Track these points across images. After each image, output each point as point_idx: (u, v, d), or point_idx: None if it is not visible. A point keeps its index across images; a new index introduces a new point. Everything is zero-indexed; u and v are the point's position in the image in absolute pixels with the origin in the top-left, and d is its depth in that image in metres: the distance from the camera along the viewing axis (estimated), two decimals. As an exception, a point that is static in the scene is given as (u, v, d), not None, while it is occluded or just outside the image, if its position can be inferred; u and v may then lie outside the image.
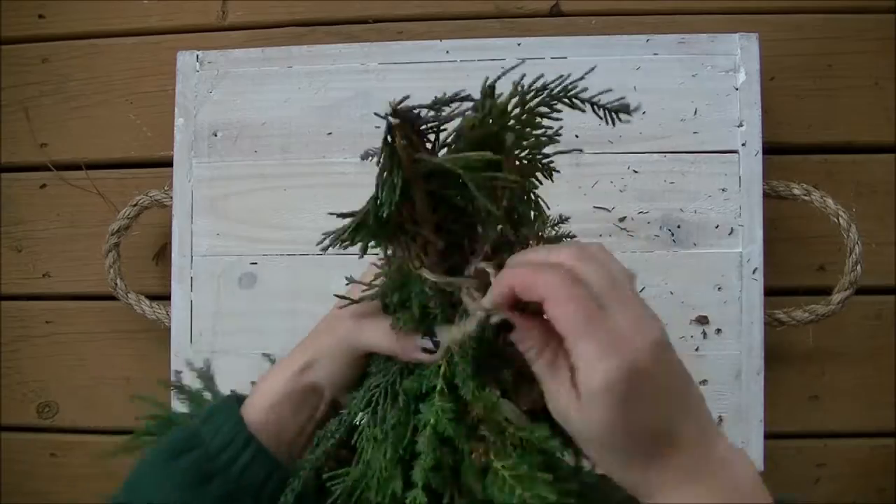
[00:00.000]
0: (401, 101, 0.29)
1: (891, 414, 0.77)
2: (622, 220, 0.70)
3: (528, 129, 0.33)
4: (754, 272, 0.69)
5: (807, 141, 0.79)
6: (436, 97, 0.31)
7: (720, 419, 0.68)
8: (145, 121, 0.83)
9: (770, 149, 0.73)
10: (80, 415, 0.83)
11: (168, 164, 0.75)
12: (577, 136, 0.71)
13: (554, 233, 0.40)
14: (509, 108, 0.32)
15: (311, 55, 0.74)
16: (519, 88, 0.32)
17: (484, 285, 0.34)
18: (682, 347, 0.68)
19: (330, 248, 0.36)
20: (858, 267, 0.69)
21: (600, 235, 0.70)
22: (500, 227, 0.36)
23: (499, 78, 0.31)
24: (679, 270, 0.70)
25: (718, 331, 0.69)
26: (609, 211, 0.70)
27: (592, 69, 0.33)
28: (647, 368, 0.30)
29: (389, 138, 0.30)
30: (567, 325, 0.30)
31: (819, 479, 0.78)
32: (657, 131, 0.71)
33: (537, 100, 0.32)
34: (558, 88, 0.32)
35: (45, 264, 0.84)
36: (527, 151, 0.35)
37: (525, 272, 0.32)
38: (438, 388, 0.36)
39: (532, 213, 0.37)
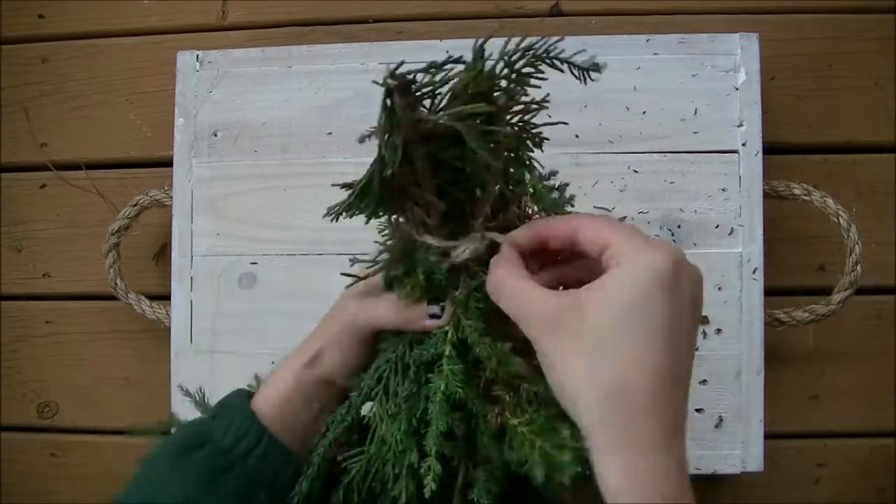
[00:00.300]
0: (397, 67, 0.30)
1: (891, 414, 0.77)
2: (622, 220, 0.70)
3: (517, 90, 0.34)
4: (754, 272, 0.69)
5: (807, 141, 0.79)
6: (431, 62, 0.32)
7: (720, 419, 0.68)
8: (145, 121, 0.83)
9: (770, 149, 0.73)
10: (80, 415, 0.83)
11: (168, 164, 0.75)
12: (577, 137, 0.71)
13: (544, 187, 0.40)
14: (497, 69, 0.33)
15: (311, 55, 0.74)
16: (506, 50, 0.33)
17: (488, 246, 0.35)
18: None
19: (338, 218, 0.36)
20: (858, 267, 0.69)
21: (600, 235, 0.70)
22: (497, 186, 0.36)
23: (486, 40, 0.33)
24: (679, 270, 0.70)
25: (718, 331, 0.69)
26: (609, 211, 0.70)
27: (583, 51, 0.34)
28: (687, 272, 0.30)
29: (388, 101, 0.31)
30: (609, 232, 0.31)
31: (819, 479, 0.78)
32: (657, 131, 0.71)
33: (522, 61, 0.33)
34: (542, 49, 0.34)
35: (45, 264, 0.84)
36: (518, 117, 0.36)
37: (557, 220, 0.33)
38: (447, 352, 0.36)
39: (525, 173, 0.37)
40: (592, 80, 0.34)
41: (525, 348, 0.35)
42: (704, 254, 0.70)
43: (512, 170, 0.37)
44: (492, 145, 0.35)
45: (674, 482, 0.29)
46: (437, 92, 0.33)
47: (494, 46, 0.33)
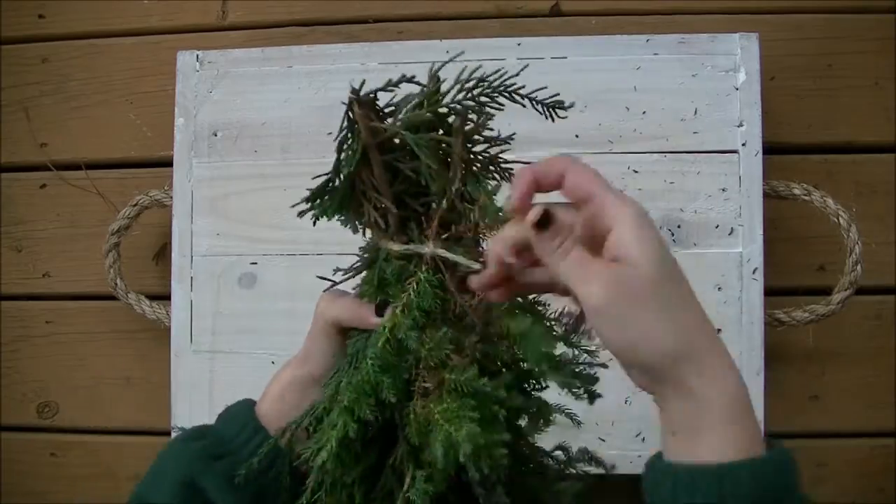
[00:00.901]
0: (361, 86, 0.36)
1: (891, 414, 0.77)
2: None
3: (474, 115, 0.38)
4: (754, 272, 0.69)
5: (807, 141, 0.79)
6: (389, 79, 0.37)
7: (720, 419, 0.68)
8: (145, 121, 0.83)
9: (770, 149, 0.73)
10: (80, 415, 0.83)
11: (168, 164, 0.75)
12: (577, 136, 0.71)
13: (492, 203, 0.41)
14: (451, 91, 0.37)
15: (311, 55, 0.74)
16: (460, 77, 0.37)
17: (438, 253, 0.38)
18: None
19: (315, 219, 0.41)
20: (858, 267, 0.69)
21: (600, 235, 0.70)
22: (450, 200, 0.39)
23: (444, 65, 0.37)
24: (679, 270, 0.70)
25: (718, 331, 0.68)
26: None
27: (525, 66, 0.38)
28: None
29: (350, 112, 0.36)
30: (594, 183, 0.34)
31: (819, 479, 0.78)
32: (657, 131, 0.71)
33: (478, 90, 0.37)
34: (497, 82, 0.37)
35: (45, 264, 0.84)
36: (481, 148, 0.39)
37: (538, 165, 0.35)
38: (379, 343, 0.38)
39: (480, 191, 0.39)
40: (560, 117, 0.38)
41: (459, 345, 0.37)
42: (704, 254, 0.70)
43: (467, 187, 0.39)
44: (447, 159, 0.38)
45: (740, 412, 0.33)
46: (396, 108, 0.37)
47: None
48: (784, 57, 0.78)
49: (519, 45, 0.72)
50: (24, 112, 0.84)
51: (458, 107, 0.37)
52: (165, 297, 0.75)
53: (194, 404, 0.71)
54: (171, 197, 0.74)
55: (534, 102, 0.38)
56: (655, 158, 0.71)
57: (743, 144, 0.70)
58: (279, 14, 0.83)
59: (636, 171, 0.70)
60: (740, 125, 0.70)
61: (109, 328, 0.83)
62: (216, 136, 0.74)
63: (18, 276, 0.84)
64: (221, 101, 0.74)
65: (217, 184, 0.74)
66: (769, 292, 0.70)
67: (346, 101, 0.36)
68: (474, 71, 0.37)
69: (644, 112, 0.71)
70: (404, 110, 0.37)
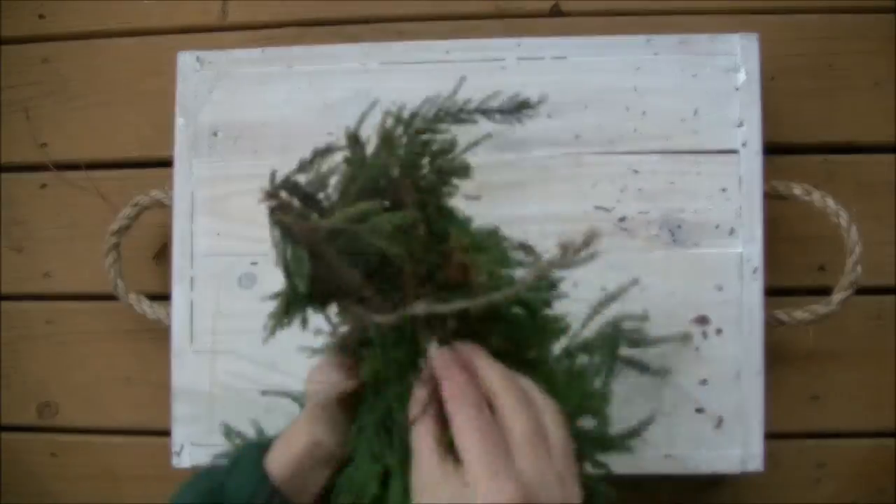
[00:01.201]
0: (272, 178, 0.31)
1: (891, 414, 0.77)
2: (622, 220, 0.70)
3: (416, 153, 0.33)
4: (754, 272, 0.69)
5: (807, 141, 0.79)
6: (301, 159, 0.32)
7: (720, 419, 0.68)
8: (145, 121, 0.83)
9: (770, 149, 0.73)
10: (80, 415, 0.83)
11: (168, 164, 0.75)
12: (577, 137, 0.71)
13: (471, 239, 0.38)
14: (375, 151, 0.33)
15: (311, 55, 0.74)
16: (384, 126, 0.32)
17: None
18: (681, 347, 0.69)
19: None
20: (858, 267, 0.69)
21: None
22: (418, 256, 0.35)
23: (359, 124, 0.33)
24: (679, 270, 0.70)
25: (718, 331, 0.69)
26: (609, 211, 0.70)
27: (464, 79, 0.33)
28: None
29: (275, 219, 0.31)
30: (471, 458, 0.30)
31: (819, 479, 0.78)
32: (657, 131, 0.71)
33: (407, 135, 0.33)
34: (432, 113, 0.33)
35: (45, 264, 0.84)
36: (430, 163, 0.35)
37: (455, 382, 0.32)
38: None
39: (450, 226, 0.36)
40: (529, 117, 0.34)
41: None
42: (704, 254, 0.70)
43: (439, 226, 0.36)
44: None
45: None
46: (326, 185, 0.33)
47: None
48: (784, 57, 0.78)
49: (519, 45, 0.72)
50: (24, 112, 0.84)
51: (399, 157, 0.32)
52: (165, 297, 0.75)
53: (194, 404, 0.71)
54: (172, 197, 0.74)
55: (489, 115, 0.34)
56: (655, 158, 0.71)
57: (743, 144, 0.70)
58: (279, 14, 0.83)
59: (636, 171, 0.70)
60: (740, 125, 0.70)
61: (109, 328, 0.83)
62: (216, 136, 0.74)
63: (18, 276, 0.84)
64: (221, 101, 0.74)
65: (217, 184, 0.74)
66: (769, 292, 0.70)
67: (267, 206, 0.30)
68: (398, 110, 0.32)
69: (644, 112, 0.71)
70: (341, 189, 0.33)
